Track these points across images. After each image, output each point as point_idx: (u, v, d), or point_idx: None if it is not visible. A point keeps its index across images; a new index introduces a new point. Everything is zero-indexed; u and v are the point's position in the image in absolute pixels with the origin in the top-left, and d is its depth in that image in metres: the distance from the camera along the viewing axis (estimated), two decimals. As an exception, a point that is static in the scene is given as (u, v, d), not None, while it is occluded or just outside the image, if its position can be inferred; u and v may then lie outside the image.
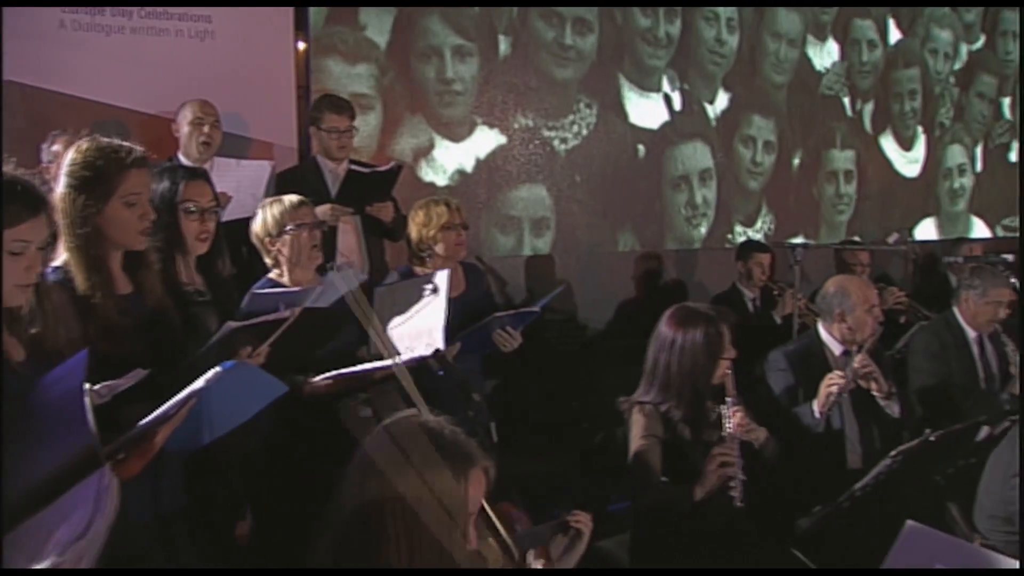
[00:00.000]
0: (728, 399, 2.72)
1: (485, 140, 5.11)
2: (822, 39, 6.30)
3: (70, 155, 1.98)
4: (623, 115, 5.56)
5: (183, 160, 3.59)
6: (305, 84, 4.47)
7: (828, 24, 6.33)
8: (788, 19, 6.12)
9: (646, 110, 5.63)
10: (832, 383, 3.03)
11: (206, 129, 3.60)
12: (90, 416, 1.48)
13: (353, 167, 3.70)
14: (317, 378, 2.63)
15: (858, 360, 3.11)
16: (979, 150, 7.20)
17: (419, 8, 4.82)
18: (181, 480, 2.13)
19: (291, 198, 2.83)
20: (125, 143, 1.99)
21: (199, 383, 1.68)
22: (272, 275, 2.82)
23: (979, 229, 7.24)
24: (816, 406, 3.04)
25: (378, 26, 4.72)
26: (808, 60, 6.26)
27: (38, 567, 1.40)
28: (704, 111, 5.86)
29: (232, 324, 1.96)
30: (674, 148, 5.76)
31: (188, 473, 2.14)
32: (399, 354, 2.55)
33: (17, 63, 3.66)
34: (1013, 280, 3.80)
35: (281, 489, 2.62)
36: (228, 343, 1.96)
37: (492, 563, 1.80)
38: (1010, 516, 2.25)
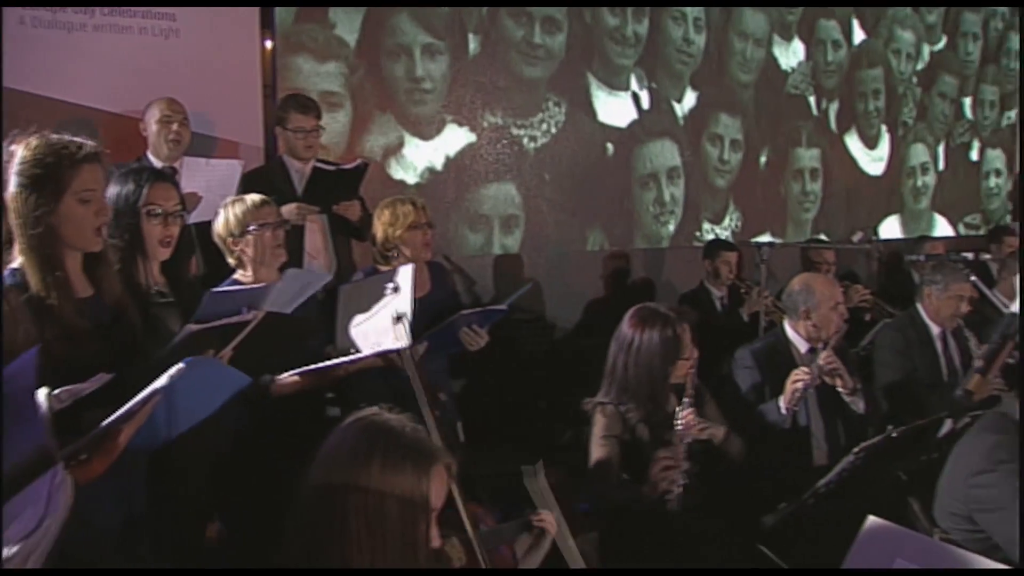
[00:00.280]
0: (685, 399, 2.74)
1: (454, 138, 5.11)
2: (788, 39, 6.37)
3: (20, 153, 1.92)
4: (592, 113, 5.58)
5: (152, 159, 3.56)
6: (271, 83, 4.44)
7: (794, 24, 6.39)
8: (754, 19, 6.17)
9: (614, 108, 5.66)
10: (797, 379, 3.06)
11: (175, 127, 3.56)
12: (43, 414, 1.46)
13: (318, 165, 3.68)
14: (283, 376, 2.61)
15: (823, 357, 3.15)
16: (941, 149, 7.31)
17: (389, 6, 4.80)
18: (146, 481, 2.10)
19: (253, 197, 2.81)
20: (76, 139, 1.94)
21: (162, 380, 1.66)
22: (237, 275, 2.80)
23: (942, 226, 7.35)
24: (782, 403, 3.07)
25: (348, 24, 4.71)
26: (774, 60, 6.32)
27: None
28: (672, 110, 5.90)
29: (192, 327, 1.94)
30: (642, 146, 5.79)
31: (154, 474, 2.11)
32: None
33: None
34: (973, 278, 3.86)
35: (250, 490, 2.61)
36: (189, 346, 1.94)
37: (456, 562, 1.80)
38: (970, 515, 2.27)
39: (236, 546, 2.67)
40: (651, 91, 5.78)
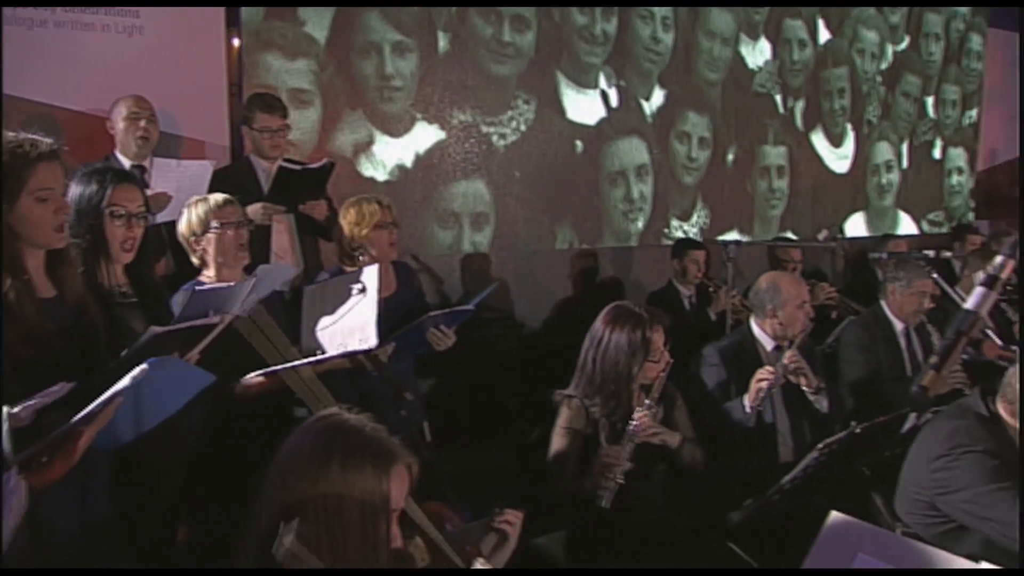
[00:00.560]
0: (647, 401, 2.77)
1: (424, 135, 5.10)
2: (754, 38, 6.42)
3: None
4: (561, 111, 5.59)
5: (120, 158, 3.52)
6: (238, 81, 4.40)
7: (760, 24, 6.45)
8: (721, 18, 6.21)
9: (583, 106, 5.68)
10: (762, 379, 3.10)
11: (142, 124, 3.53)
12: (3, 433, 1.44)
13: (284, 164, 3.65)
14: (248, 377, 2.60)
15: (787, 356, 3.18)
16: (905, 147, 7.42)
17: (358, 6, 4.79)
18: (111, 484, 2.09)
19: (216, 197, 2.80)
20: (32, 136, 1.91)
21: (125, 381, 1.65)
22: (202, 276, 2.78)
23: (906, 224, 7.46)
24: (746, 401, 3.10)
25: (317, 21, 4.68)
26: (741, 59, 6.37)
27: None
28: (640, 107, 5.93)
29: (157, 329, 1.93)
30: (611, 144, 5.81)
31: (119, 477, 2.09)
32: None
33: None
34: (935, 275, 3.92)
35: (217, 494, 2.59)
36: (153, 348, 1.92)
37: (419, 562, 1.80)
38: (932, 500, 2.32)
39: (205, 549, 2.65)
40: (620, 89, 5.80)
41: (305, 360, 2.60)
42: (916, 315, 3.90)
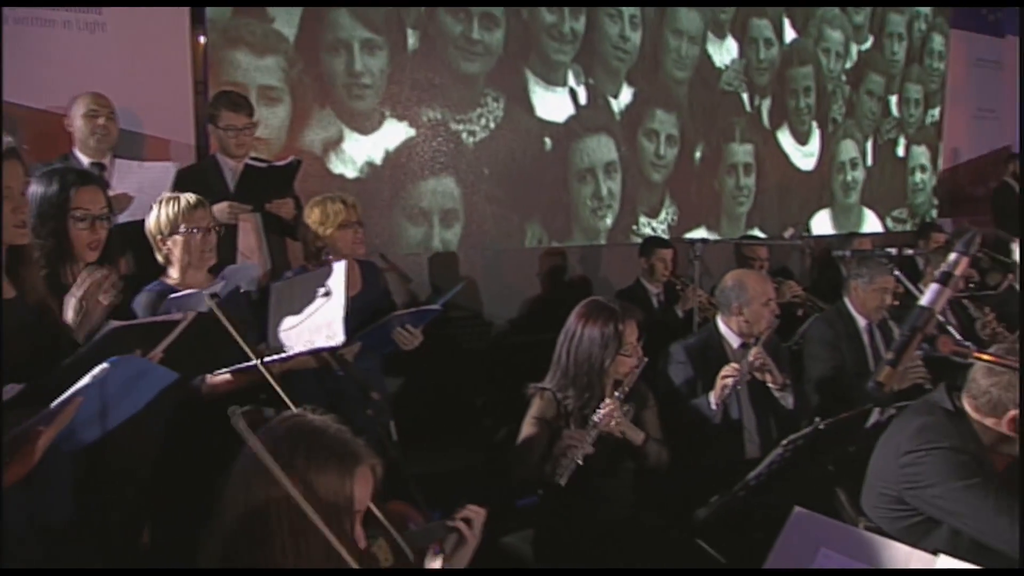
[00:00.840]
0: (616, 393, 2.79)
1: (394, 133, 5.10)
2: (721, 37, 6.47)
3: None
4: (530, 109, 5.60)
5: (79, 155, 3.47)
6: (203, 79, 4.36)
7: (727, 23, 6.50)
8: (689, 17, 6.25)
9: (552, 104, 5.69)
10: (726, 375, 3.12)
11: (101, 121, 3.48)
12: None
13: (250, 163, 3.62)
14: (215, 375, 2.58)
15: (752, 354, 3.21)
16: (869, 145, 7.51)
17: (326, 6, 4.77)
18: (73, 485, 2.06)
19: (188, 198, 2.77)
20: None
21: (85, 380, 1.63)
22: (164, 277, 2.75)
23: (871, 220, 7.56)
24: (712, 398, 3.13)
25: (286, 18, 4.66)
26: (708, 57, 6.41)
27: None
28: (608, 105, 5.95)
29: (115, 323, 1.90)
30: (579, 141, 5.83)
31: (82, 478, 2.07)
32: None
33: None
34: (896, 272, 3.98)
35: (182, 495, 2.57)
36: (112, 343, 1.90)
37: (383, 562, 1.80)
38: (900, 494, 2.35)
39: (169, 551, 2.63)
40: (588, 87, 5.83)
41: (271, 357, 2.58)
42: (879, 311, 3.95)
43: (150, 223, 2.75)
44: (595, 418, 2.74)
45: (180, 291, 2.54)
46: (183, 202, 2.74)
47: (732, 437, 3.26)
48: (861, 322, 3.99)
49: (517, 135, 5.56)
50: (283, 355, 2.62)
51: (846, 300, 4.04)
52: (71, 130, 3.50)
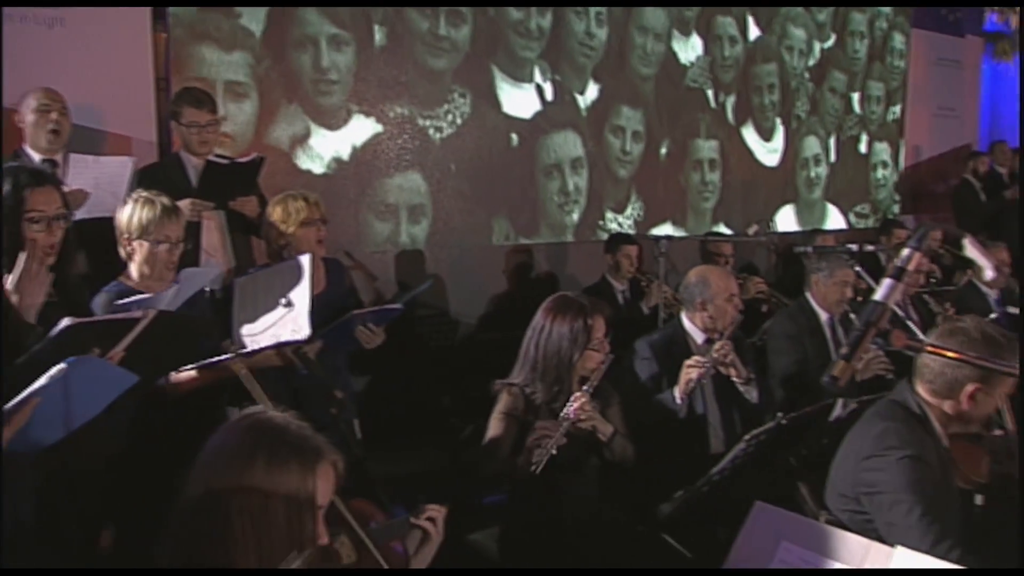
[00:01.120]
0: (585, 387, 2.80)
1: (361, 128, 5.07)
2: (686, 34, 6.51)
3: None
4: (496, 105, 5.61)
5: (30, 152, 3.40)
6: (165, 75, 4.30)
7: (692, 20, 6.54)
8: (654, 15, 6.29)
9: (519, 100, 5.70)
10: (691, 367, 3.15)
11: (53, 116, 3.39)
12: None
13: (212, 159, 3.58)
14: (178, 372, 2.55)
15: (717, 347, 3.24)
16: (832, 142, 7.62)
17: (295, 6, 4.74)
18: (32, 486, 2.03)
19: (164, 205, 2.73)
20: None
21: (42, 381, 1.61)
22: (121, 278, 2.72)
23: (834, 216, 7.66)
24: (677, 392, 3.15)
25: (253, 14, 4.62)
26: (673, 54, 6.45)
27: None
28: (575, 101, 5.97)
29: (69, 320, 1.87)
30: (546, 137, 5.85)
31: (41, 479, 2.04)
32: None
33: None
34: (857, 268, 4.04)
35: (144, 495, 2.54)
36: (68, 341, 1.86)
37: (345, 559, 1.80)
38: (857, 496, 2.37)
39: (129, 554, 2.60)
40: (554, 83, 5.84)
41: (235, 353, 2.56)
42: (840, 305, 4.00)
43: (121, 219, 2.72)
44: (566, 412, 2.76)
45: (138, 293, 2.51)
46: (159, 208, 2.70)
47: (697, 432, 3.27)
48: (823, 316, 4.04)
49: (484, 131, 5.55)
50: (248, 350, 2.60)
51: (808, 295, 4.09)
52: (22, 126, 3.42)
